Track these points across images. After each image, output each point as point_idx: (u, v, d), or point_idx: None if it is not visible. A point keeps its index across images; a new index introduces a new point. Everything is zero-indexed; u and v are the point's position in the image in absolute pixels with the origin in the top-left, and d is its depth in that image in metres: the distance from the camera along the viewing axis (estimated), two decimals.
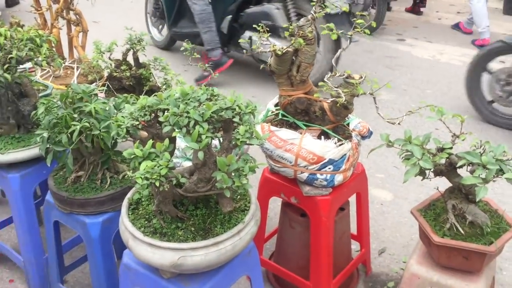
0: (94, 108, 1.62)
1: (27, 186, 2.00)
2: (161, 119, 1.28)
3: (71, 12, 2.98)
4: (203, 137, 1.20)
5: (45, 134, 1.62)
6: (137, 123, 1.37)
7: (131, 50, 2.41)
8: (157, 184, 1.20)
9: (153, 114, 1.40)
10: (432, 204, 1.68)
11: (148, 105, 1.37)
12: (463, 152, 1.45)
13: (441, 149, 1.50)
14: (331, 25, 1.61)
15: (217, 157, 1.23)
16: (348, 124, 1.83)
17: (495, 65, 3.71)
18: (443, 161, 1.50)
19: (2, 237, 2.48)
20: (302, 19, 1.66)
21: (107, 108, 1.68)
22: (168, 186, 1.23)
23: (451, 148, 1.49)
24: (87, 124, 1.60)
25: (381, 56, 5.20)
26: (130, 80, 2.43)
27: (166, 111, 1.32)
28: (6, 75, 1.79)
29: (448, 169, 1.53)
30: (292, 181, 1.82)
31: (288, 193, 1.85)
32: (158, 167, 1.21)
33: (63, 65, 2.84)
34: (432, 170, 1.50)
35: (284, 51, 1.64)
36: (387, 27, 6.20)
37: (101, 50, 2.41)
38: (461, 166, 1.48)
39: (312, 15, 1.64)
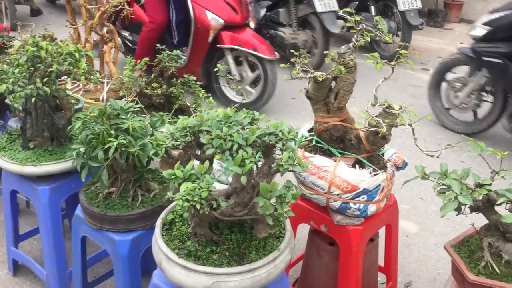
0: (132, 125, 1.62)
1: (56, 199, 2.01)
2: (203, 141, 1.27)
3: (104, 28, 3.03)
4: (247, 161, 1.19)
5: (82, 149, 1.62)
6: (178, 143, 1.36)
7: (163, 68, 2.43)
8: (198, 207, 1.19)
9: (193, 136, 1.39)
10: (466, 241, 1.63)
11: (190, 126, 1.37)
12: (504, 190, 1.42)
13: (480, 185, 1.47)
14: (376, 54, 1.60)
15: (260, 183, 1.21)
16: (383, 154, 1.80)
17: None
18: (480, 197, 1.47)
19: (24, 249, 2.47)
20: (343, 47, 1.65)
21: (143, 126, 1.68)
22: (208, 209, 1.21)
23: (490, 184, 1.46)
24: (123, 141, 1.60)
25: (405, 85, 5.17)
26: (160, 98, 2.45)
27: (207, 132, 1.32)
28: (45, 88, 1.81)
29: (486, 206, 1.50)
30: (323, 209, 1.79)
31: (318, 220, 1.82)
32: (199, 189, 1.20)
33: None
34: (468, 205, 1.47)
35: (324, 78, 1.63)
36: (410, 56, 6.18)
37: (133, 66, 2.45)
38: (500, 204, 1.45)
39: (354, 43, 1.63)
